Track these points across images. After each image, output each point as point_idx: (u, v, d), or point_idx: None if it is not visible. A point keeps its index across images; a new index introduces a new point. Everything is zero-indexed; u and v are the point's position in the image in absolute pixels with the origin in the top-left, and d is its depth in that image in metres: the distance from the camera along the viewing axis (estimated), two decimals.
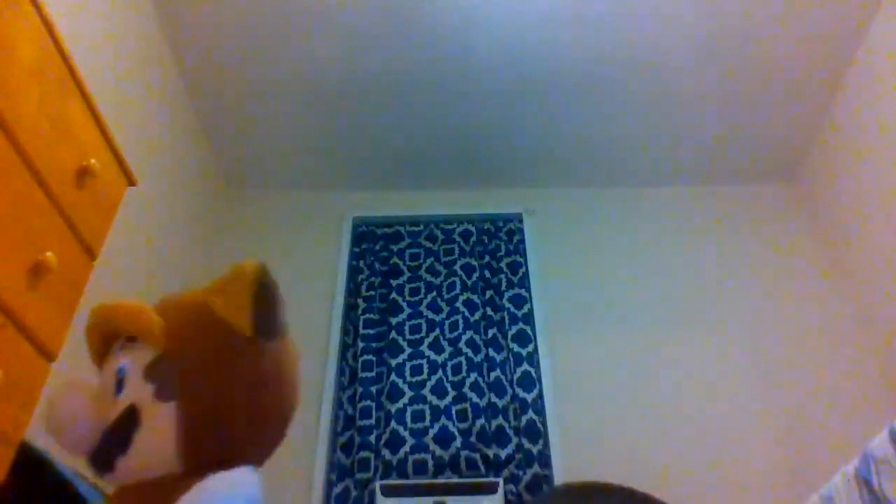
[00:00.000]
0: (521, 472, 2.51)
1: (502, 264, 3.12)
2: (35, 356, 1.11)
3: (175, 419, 1.07)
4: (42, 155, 1.14)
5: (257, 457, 1.16)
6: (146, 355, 1.13)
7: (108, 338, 1.20)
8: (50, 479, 1.25)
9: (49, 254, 1.11)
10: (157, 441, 1.07)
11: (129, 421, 1.08)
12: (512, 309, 2.96)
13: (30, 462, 1.20)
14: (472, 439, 2.56)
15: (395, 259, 3.14)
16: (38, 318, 1.10)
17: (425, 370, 2.75)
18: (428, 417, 2.61)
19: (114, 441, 1.08)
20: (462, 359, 2.77)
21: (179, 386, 1.09)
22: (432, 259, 3.14)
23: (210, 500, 0.96)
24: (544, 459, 2.55)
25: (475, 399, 2.65)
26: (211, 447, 1.10)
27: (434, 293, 3.01)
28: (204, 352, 1.13)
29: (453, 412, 2.63)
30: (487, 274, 3.10)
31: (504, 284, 3.05)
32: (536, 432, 2.59)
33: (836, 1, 2.60)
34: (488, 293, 3.03)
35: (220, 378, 1.12)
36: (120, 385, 1.11)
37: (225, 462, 1.04)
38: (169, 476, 1.06)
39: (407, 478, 2.47)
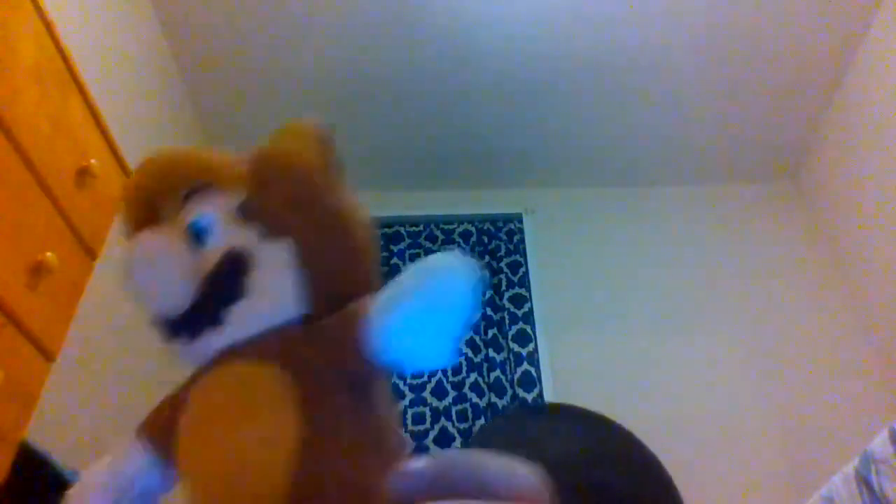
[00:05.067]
0: None
1: (502, 264, 3.11)
2: (35, 356, 1.10)
3: (293, 257, 0.99)
4: (42, 155, 1.13)
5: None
6: (230, 201, 1.05)
7: (158, 197, 1.12)
8: (50, 479, 1.25)
9: (49, 254, 1.11)
10: (280, 282, 0.99)
11: (234, 266, 0.99)
12: (512, 309, 2.96)
13: (30, 462, 1.20)
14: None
15: (395, 259, 3.14)
16: (38, 318, 1.10)
17: (425, 371, 2.75)
18: (428, 420, 2.61)
19: (223, 288, 0.98)
20: (462, 359, 2.77)
21: (285, 224, 1.01)
22: None
23: (444, 269, 0.90)
24: None
25: (475, 399, 2.65)
26: (335, 282, 1.03)
27: None
28: (292, 187, 1.04)
29: (453, 413, 2.63)
30: (487, 274, 3.10)
31: (504, 284, 3.04)
32: None
33: (836, 1, 2.61)
34: (488, 293, 3.03)
35: (316, 212, 1.04)
36: (199, 237, 1.03)
37: (347, 298, 0.97)
38: (291, 325, 0.98)
39: None
